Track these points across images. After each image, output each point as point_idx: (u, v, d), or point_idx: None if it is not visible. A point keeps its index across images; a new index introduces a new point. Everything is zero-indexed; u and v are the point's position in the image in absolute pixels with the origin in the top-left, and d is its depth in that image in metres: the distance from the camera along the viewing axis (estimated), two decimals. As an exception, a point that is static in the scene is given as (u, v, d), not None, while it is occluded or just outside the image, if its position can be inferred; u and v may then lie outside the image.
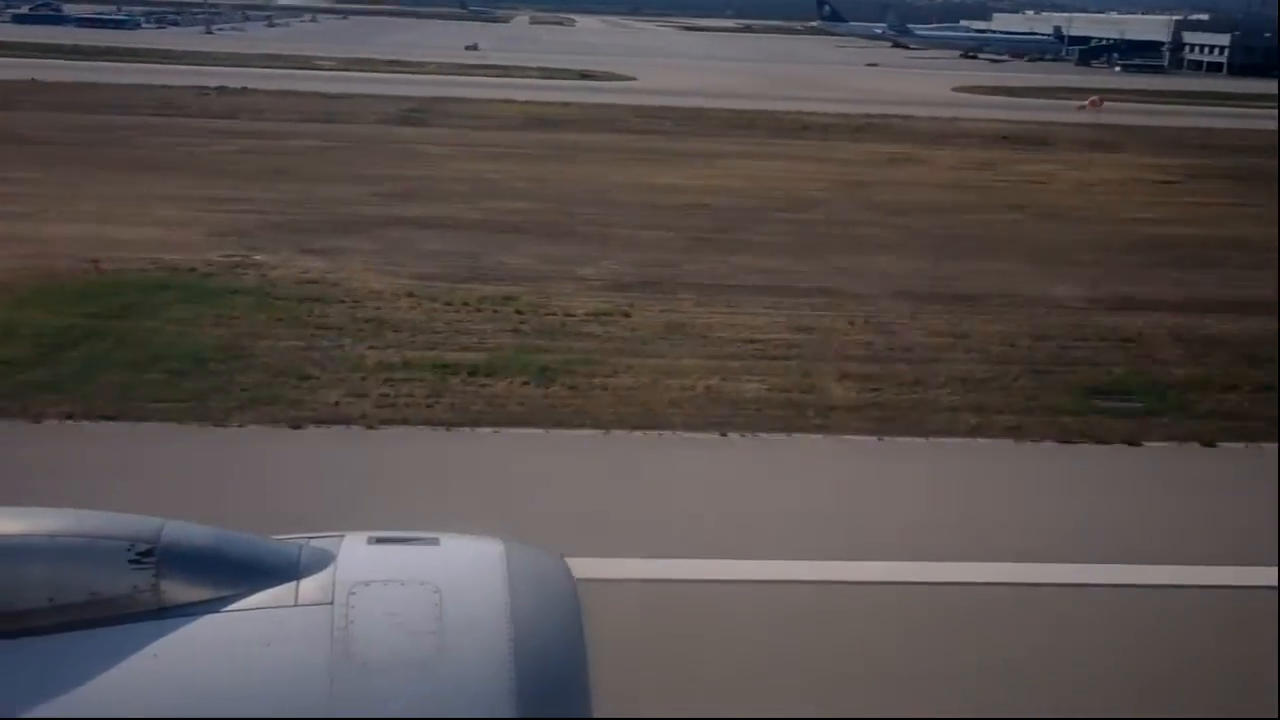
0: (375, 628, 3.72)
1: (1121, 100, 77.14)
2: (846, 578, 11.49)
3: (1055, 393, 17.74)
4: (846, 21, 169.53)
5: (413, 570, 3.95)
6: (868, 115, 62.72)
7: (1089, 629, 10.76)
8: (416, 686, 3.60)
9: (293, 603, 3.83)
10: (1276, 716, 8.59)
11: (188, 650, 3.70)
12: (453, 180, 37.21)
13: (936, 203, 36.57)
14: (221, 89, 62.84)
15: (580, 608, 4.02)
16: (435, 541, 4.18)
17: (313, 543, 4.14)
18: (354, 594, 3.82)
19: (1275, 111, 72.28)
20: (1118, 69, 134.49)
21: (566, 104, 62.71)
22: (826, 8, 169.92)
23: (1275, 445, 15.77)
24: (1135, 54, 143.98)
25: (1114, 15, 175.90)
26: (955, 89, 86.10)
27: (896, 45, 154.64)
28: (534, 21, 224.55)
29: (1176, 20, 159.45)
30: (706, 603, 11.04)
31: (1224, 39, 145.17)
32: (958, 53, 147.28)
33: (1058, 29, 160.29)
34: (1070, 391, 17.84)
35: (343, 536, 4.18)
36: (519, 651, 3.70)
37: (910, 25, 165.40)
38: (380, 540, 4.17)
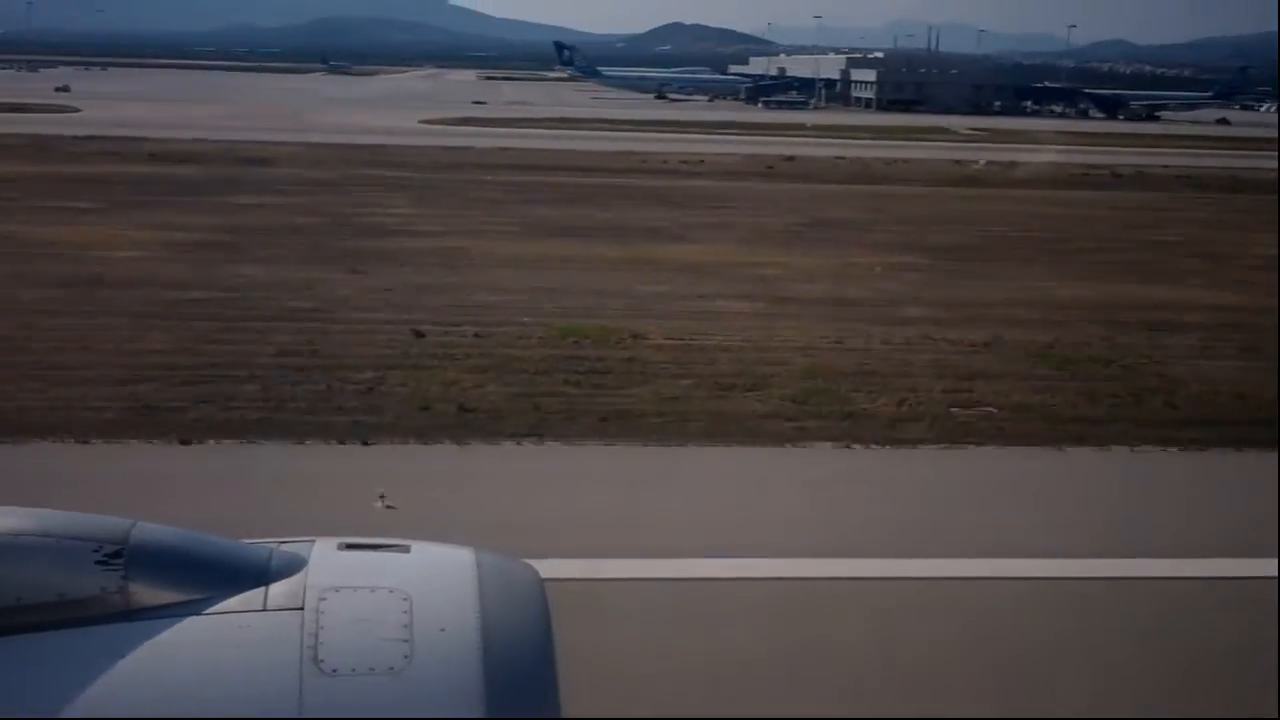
0: (345, 633, 3.70)
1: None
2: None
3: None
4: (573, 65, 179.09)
5: (383, 577, 3.93)
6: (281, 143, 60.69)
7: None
8: (385, 693, 3.58)
9: (262, 607, 3.80)
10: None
11: (156, 653, 3.66)
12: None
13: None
14: None
15: (549, 616, 4.01)
16: (406, 549, 4.16)
17: (284, 547, 4.11)
18: (324, 599, 3.80)
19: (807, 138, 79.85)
20: (760, 105, 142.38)
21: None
22: (566, 53, 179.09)
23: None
24: (807, 91, 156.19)
25: (829, 56, 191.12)
26: (422, 121, 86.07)
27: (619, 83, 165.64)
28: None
29: (848, 59, 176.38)
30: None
31: (873, 75, 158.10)
32: (651, 93, 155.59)
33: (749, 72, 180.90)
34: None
35: (313, 542, 4.15)
36: (488, 659, 3.69)
37: (600, 67, 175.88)
38: (351, 546, 4.14)
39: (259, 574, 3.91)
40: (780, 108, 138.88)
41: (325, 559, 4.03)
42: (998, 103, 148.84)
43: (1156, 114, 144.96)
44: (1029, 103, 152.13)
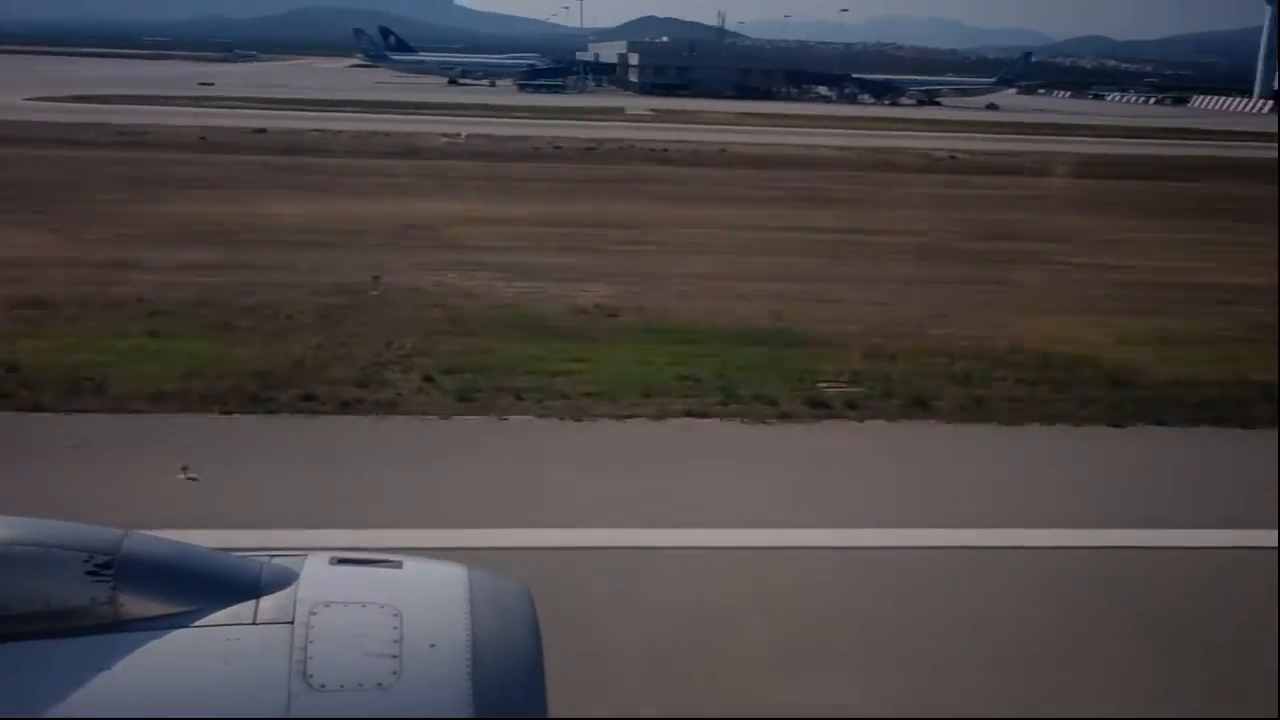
0: (334, 648, 3.72)
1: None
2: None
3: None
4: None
5: (374, 592, 3.96)
6: None
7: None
8: (374, 708, 3.61)
9: (252, 620, 3.82)
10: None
11: (144, 665, 3.68)
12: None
13: None
14: None
15: (540, 634, 4.04)
16: (398, 564, 4.18)
17: (275, 560, 4.13)
18: (315, 614, 3.82)
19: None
20: (519, 88, 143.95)
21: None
22: (391, 38, 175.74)
23: None
24: (595, 74, 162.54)
25: (615, 43, 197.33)
26: (28, 99, 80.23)
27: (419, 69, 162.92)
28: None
29: (629, 44, 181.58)
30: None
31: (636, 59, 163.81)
32: (445, 79, 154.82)
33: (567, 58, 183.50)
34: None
35: (305, 555, 4.18)
36: (478, 675, 3.72)
37: (393, 53, 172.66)
38: (343, 561, 4.17)
39: (250, 587, 3.93)
40: (537, 91, 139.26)
41: (316, 573, 4.05)
42: (763, 87, 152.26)
43: (937, 100, 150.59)
44: (794, 89, 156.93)
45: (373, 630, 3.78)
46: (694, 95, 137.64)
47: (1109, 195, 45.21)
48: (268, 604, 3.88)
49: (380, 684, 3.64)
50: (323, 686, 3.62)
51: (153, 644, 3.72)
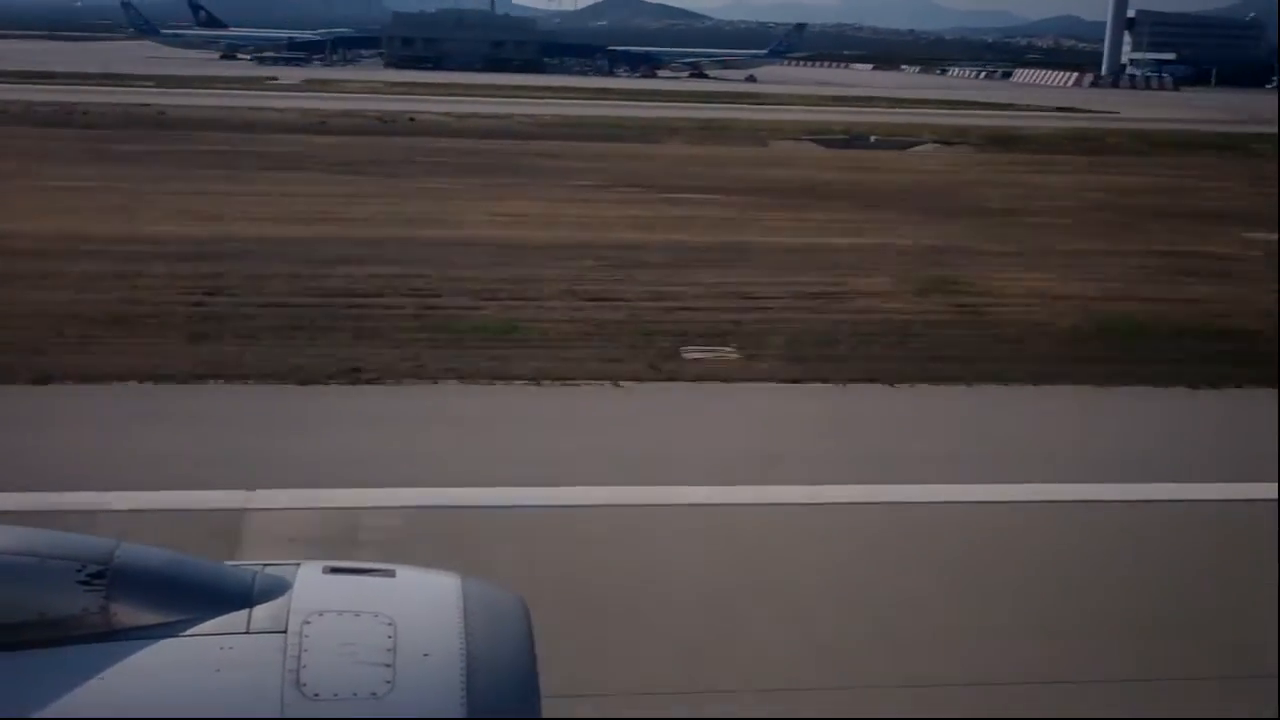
0: (327, 658, 3.75)
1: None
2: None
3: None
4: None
5: (367, 601, 3.97)
6: None
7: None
8: (367, 718, 3.63)
9: (245, 629, 3.84)
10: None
11: (136, 674, 3.70)
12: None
13: None
14: None
15: (534, 644, 4.07)
16: (391, 574, 4.20)
17: (268, 570, 4.15)
18: (308, 623, 3.84)
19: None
20: (258, 62, 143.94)
21: None
22: (202, 13, 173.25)
23: None
24: (355, 48, 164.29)
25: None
26: None
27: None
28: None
29: (393, 16, 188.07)
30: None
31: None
32: (217, 53, 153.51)
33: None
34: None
35: (299, 565, 4.19)
36: (471, 685, 3.76)
37: (163, 27, 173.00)
38: (336, 570, 4.19)
39: (242, 596, 3.95)
40: (276, 64, 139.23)
41: (310, 582, 4.07)
42: (517, 60, 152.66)
43: (704, 73, 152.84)
44: (552, 61, 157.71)
45: (366, 639, 3.80)
46: (440, 69, 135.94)
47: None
48: (260, 613, 3.90)
49: (374, 693, 3.67)
50: (316, 695, 3.65)
51: (145, 653, 3.74)
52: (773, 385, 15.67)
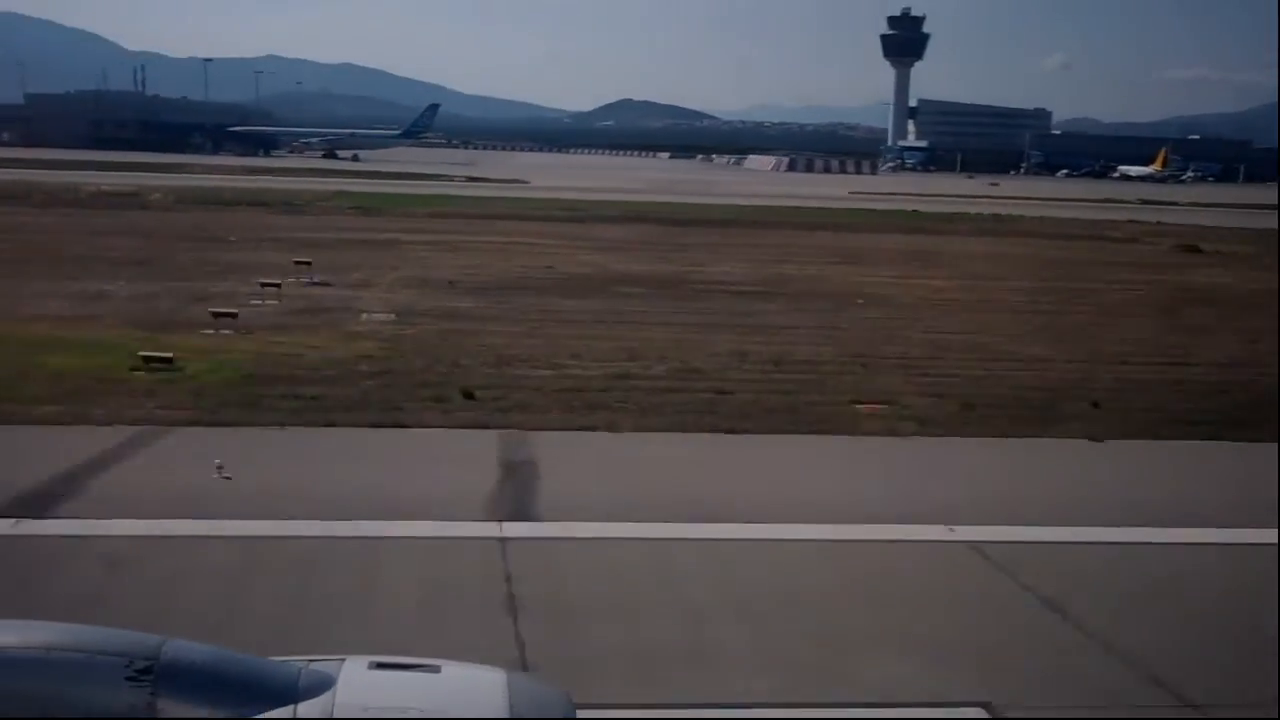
0: None
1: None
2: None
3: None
4: None
5: (413, 699, 3.93)
6: None
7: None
8: None
9: None
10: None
11: None
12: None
13: None
14: None
15: None
16: (437, 669, 4.15)
17: (313, 665, 4.13)
18: None
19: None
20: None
21: None
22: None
23: None
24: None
25: None
26: None
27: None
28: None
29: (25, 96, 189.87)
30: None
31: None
32: None
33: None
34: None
35: (344, 660, 4.17)
36: None
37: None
38: (381, 665, 4.17)
39: (288, 693, 3.93)
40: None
41: (354, 678, 4.04)
42: (124, 137, 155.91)
43: (336, 153, 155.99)
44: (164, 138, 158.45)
45: None
46: (36, 146, 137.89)
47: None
48: (306, 709, 3.87)
49: None
50: None
51: None
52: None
